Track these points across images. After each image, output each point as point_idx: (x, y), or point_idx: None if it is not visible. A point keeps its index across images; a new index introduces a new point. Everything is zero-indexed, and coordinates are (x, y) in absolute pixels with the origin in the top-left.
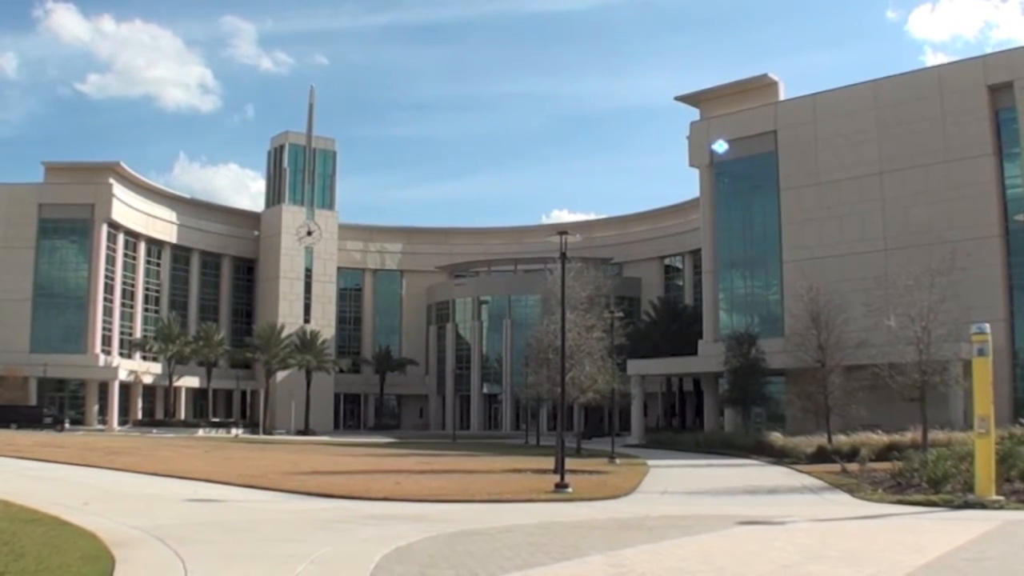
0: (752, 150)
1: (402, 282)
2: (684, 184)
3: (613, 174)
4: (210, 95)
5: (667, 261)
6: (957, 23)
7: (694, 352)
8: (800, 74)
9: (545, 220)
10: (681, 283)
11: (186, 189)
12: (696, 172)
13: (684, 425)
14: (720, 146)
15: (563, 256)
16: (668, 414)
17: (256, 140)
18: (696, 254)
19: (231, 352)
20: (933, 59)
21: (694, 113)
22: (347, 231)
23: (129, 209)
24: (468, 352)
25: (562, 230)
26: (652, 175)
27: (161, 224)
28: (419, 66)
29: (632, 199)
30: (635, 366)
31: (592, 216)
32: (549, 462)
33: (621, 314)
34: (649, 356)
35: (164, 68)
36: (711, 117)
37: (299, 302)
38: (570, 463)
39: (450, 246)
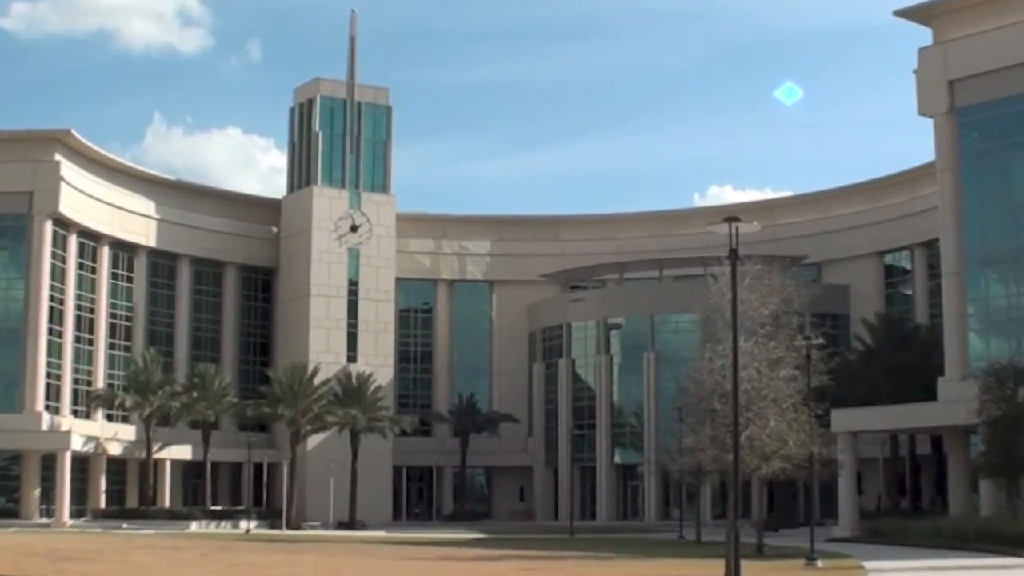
0: (1017, 88)
1: (491, 298)
2: (911, 142)
3: (799, 131)
4: (194, 28)
5: (888, 258)
6: None
7: (932, 396)
8: None
9: (700, 201)
10: (910, 291)
11: (165, 167)
12: (929, 123)
13: (918, 506)
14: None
15: (733, 254)
16: (895, 490)
17: (267, 92)
18: (932, 247)
19: (239, 407)
20: None
21: (924, 35)
22: (410, 224)
23: (84, 198)
24: (592, 402)
25: (731, 216)
26: (860, 130)
27: (133, 220)
28: None
29: (832, 168)
30: (844, 418)
31: (771, 194)
32: (717, 567)
33: (822, 340)
34: (864, 403)
35: None
36: (949, 40)
37: (340, 331)
38: (748, 568)
39: (561, 244)
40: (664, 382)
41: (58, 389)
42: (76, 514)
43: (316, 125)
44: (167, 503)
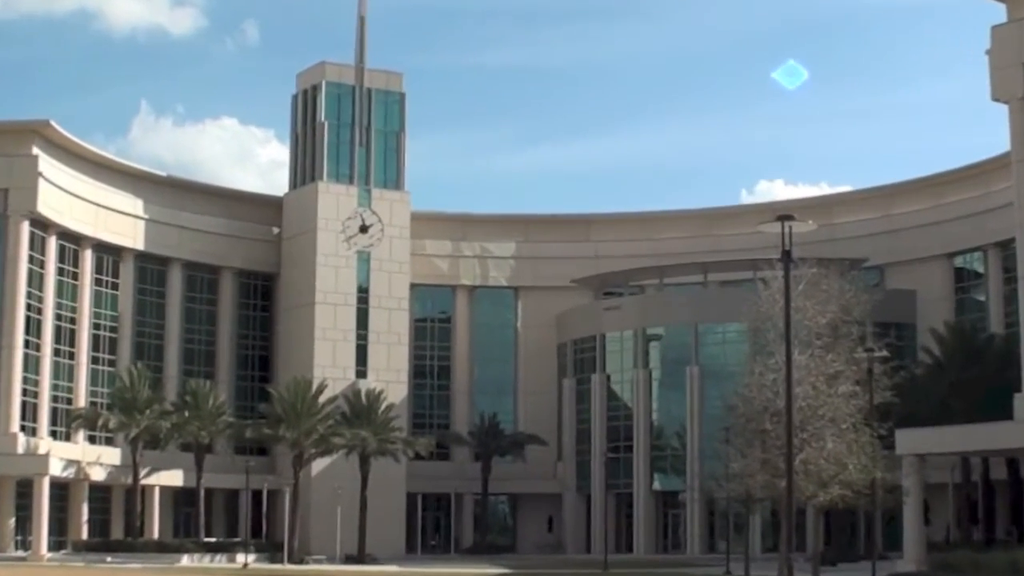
0: None
1: (516, 306)
2: (984, 131)
3: (858, 119)
4: (186, 8)
5: (958, 261)
6: None
7: (1008, 414)
8: None
9: (748, 198)
10: (983, 297)
11: (154, 161)
12: (1004, 110)
13: (992, 537)
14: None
15: (786, 257)
16: (966, 519)
17: (266, 78)
18: (1007, 248)
19: (236, 428)
20: None
21: (998, 11)
22: (425, 224)
23: (65, 196)
24: (628, 422)
25: (783, 214)
26: (927, 119)
27: (118, 220)
28: None
29: (895, 161)
30: (909, 439)
31: (827, 189)
32: None
33: (885, 352)
34: (932, 422)
35: None
36: None
37: (348, 343)
38: None
39: (594, 245)
40: (709, 399)
41: (35, 408)
42: (55, 546)
43: (321, 114)
44: (156, 534)
